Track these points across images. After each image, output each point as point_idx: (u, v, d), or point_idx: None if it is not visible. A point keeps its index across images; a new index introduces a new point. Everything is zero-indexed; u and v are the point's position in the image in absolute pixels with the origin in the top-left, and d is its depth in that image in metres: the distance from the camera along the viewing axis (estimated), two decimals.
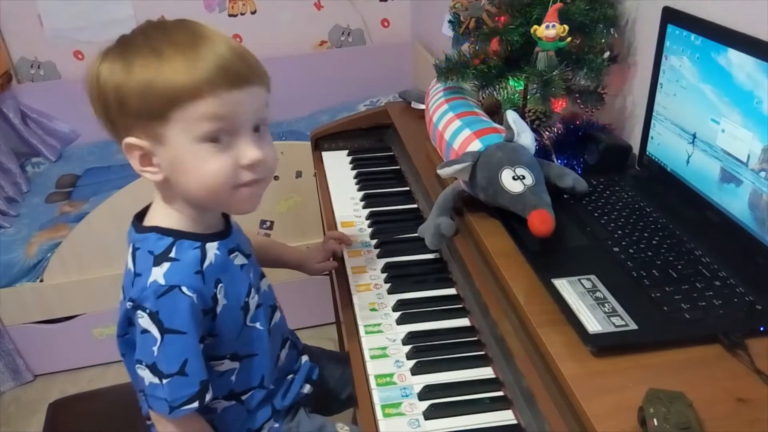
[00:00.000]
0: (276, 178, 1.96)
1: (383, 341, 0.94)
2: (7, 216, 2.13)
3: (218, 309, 0.82)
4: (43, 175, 2.45)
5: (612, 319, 0.76)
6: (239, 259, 0.87)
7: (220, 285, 0.82)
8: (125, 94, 0.72)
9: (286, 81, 2.62)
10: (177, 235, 0.80)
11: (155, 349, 0.76)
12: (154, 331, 0.76)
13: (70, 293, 1.99)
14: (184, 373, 0.77)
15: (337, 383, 1.10)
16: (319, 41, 2.77)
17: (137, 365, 0.79)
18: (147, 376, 0.78)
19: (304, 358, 1.04)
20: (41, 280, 1.97)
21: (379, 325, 0.98)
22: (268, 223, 2.03)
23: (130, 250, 0.81)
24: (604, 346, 0.73)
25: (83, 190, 2.32)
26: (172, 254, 0.79)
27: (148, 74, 0.71)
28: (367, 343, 0.94)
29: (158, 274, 0.77)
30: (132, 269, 0.80)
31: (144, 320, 0.76)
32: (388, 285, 1.06)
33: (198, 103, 0.71)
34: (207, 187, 0.76)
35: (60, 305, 2.01)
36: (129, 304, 0.78)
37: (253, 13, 2.64)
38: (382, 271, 1.10)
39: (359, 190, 1.38)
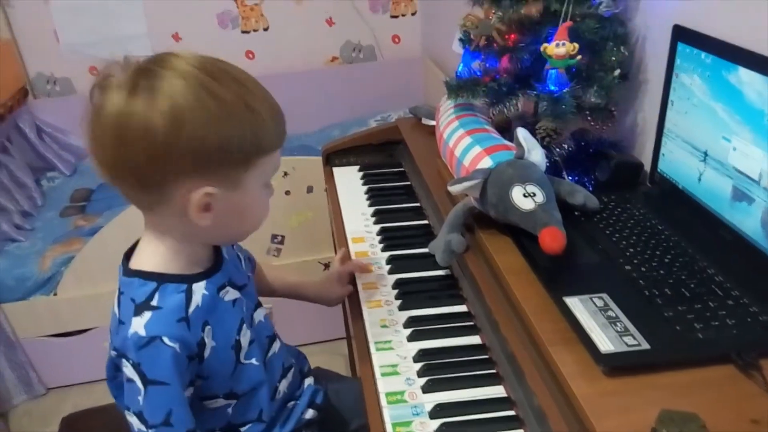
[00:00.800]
0: (287, 193, 1.97)
1: (394, 358, 0.94)
2: (21, 230, 2.15)
3: (206, 353, 0.80)
4: (58, 189, 2.47)
5: (624, 338, 0.75)
6: (230, 294, 0.85)
7: (207, 327, 0.80)
8: (210, 145, 0.71)
9: (297, 96, 2.63)
10: (161, 278, 0.78)
11: (140, 398, 0.75)
12: (138, 382, 0.75)
13: (84, 307, 2.00)
14: (169, 424, 0.76)
15: (348, 411, 1.07)
16: (330, 57, 2.79)
17: (126, 411, 0.78)
18: (135, 422, 0.77)
19: (308, 381, 1.02)
20: (55, 294, 1.98)
21: (389, 342, 0.98)
22: (279, 238, 2.04)
23: (117, 293, 0.81)
24: (617, 365, 0.73)
25: (97, 204, 2.34)
26: (154, 302, 0.77)
27: (244, 128, 0.72)
28: (378, 360, 0.94)
29: (138, 325, 0.75)
30: (117, 314, 0.79)
31: (128, 370, 0.76)
32: (399, 301, 1.06)
33: (275, 153, 0.78)
34: (257, 225, 0.83)
35: (73, 319, 2.02)
36: (113, 353, 0.78)
37: (266, 29, 2.67)
38: (393, 288, 1.10)
39: (370, 205, 1.38)
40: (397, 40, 2.80)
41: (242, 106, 0.72)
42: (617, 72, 1.08)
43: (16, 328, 1.98)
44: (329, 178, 1.54)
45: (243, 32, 2.66)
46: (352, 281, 1.14)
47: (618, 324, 0.78)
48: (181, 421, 0.77)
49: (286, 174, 1.94)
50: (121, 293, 0.79)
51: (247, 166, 0.75)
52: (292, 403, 0.98)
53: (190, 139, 0.70)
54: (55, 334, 2.03)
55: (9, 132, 2.38)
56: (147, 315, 0.76)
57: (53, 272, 1.97)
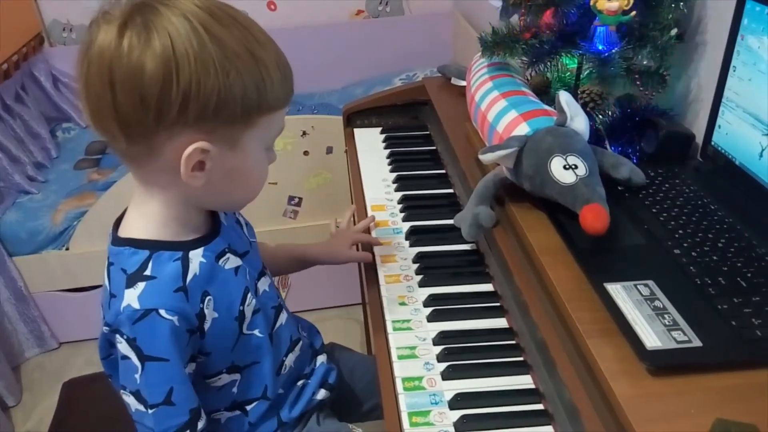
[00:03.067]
0: (306, 153, 1.89)
1: (412, 340, 0.87)
2: (35, 182, 2.11)
3: (206, 326, 0.74)
4: (73, 140, 2.41)
5: (673, 333, 0.67)
6: (231, 262, 0.78)
7: (207, 298, 0.73)
8: (208, 95, 0.63)
9: (320, 51, 2.54)
10: (154, 246, 0.71)
11: (137, 377, 0.70)
12: (134, 359, 0.69)
13: (96, 262, 1.95)
14: (171, 403, 0.70)
15: (363, 390, 1.02)
16: (355, 10, 2.66)
17: (121, 391, 0.72)
18: (132, 402, 0.72)
19: (320, 359, 0.96)
20: (67, 248, 1.95)
21: (408, 321, 0.90)
22: (297, 200, 1.97)
23: (106, 263, 0.74)
24: (664, 364, 0.65)
25: (112, 157, 2.27)
26: (148, 271, 0.70)
27: (247, 80, 0.64)
28: (395, 341, 0.87)
29: (132, 297, 0.69)
30: (108, 287, 0.73)
31: (122, 346, 0.70)
32: (420, 277, 0.99)
33: (280, 112, 0.71)
34: (254, 193, 0.75)
35: (85, 274, 1.98)
36: (105, 329, 0.71)
37: None
38: (414, 262, 1.02)
39: (392, 171, 1.30)
40: None
41: (247, 55, 0.64)
42: (674, 31, 0.97)
43: (28, 282, 1.96)
44: (350, 139, 1.45)
45: None
46: (369, 249, 1.07)
47: (666, 316, 0.69)
48: (183, 400, 0.72)
49: (304, 133, 1.86)
50: (110, 264, 0.73)
51: (248, 124, 0.68)
52: (302, 382, 0.92)
53: (186, 86, 0.62)
54: (67, 289, 2.00)
55: (24, 80, 2.32)
56: (141, 286, 0.69)
57: (65, 226, 1.94)
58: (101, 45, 0.62)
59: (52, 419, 1.08)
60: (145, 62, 0.61)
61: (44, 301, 2.00)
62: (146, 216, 0.73)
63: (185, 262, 0.72)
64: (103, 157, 2.30)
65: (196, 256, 0.73)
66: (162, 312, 0.69)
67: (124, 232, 0.73)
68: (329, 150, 1.91)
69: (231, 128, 0.67)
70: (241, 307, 0.78)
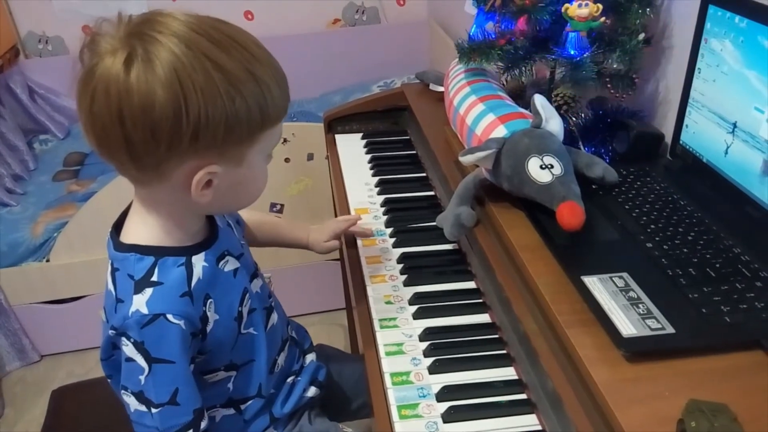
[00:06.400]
0: (287, 160, 1.91)
1: (399, 337, 0.90)
2: (13, 194, 2.10)
3: (209, 327, 0.76)
4: (51, 152, 2.40)
5: (647, 321, 0.71)
6: (230, 264, 0.80)
7: (209, 301, 0.76)
8: (216, 122, 0.64)
9: (297, 60, 2.56)
10: (159, 252, 0.73)
11: (142, 378, 0.71)
12: (140, 361, 0.71)
13: (77, 274, 1.96)
14: (176, 403, 0.73)
15: (351, 390, 1.05)
16: (332, 19, 2.70)
17: (122, 391, 0.74)
18: (132, 403, 0.73)
19: (309, 358, 0.98)
20: (47, 260, 1.94)
21: (394, 319, 0.93)
22: (278, 206, 1.99)
23: (110, 269, 0.75)
24: (639, 350, 0.68)
25: (91, 168, 2.28)
26: (155, 277, 0.72)
27: (251, 102, 0.66)
28: (382, 338, 0.90)
29: (140, 303, 0.70)
30: (113, 292, 0.74)
31: (128, 348, 0.71)
32: (405, 276, 1.01)
33: (280, 124, 0.73)
34: (257, 197, 0.77)
35: (66, 286, 1.98)
36: (111, 332, 0.73)
37: None
38: (398, 262, 1.05)
39: (374, 175, 1.32)
40: (401, 2, 2.70)
41: (249, 77, 0.65)
42: (641, 36, 1.01)
43: (9, 295, 1.94)
44: (331, 145, 1.48)
45: None
46: (355, 250, 1.09)
47: (640, 306, 0.73)
48: (188, 400, 0.74)
49: (285, 141, 1.88)
50: (116, 269, 0.74)
51: (252, 141, 0.70)
52: (291, 379, 0.94)
53: (195, 118, 0.63)
54: (48, 301, 1.99)
55: (0, 93, 2.31)
56: (148, 292, 0.71)
57: (45, 238, 1.93)
58: (107, 78, 0.62)
59: (42, 429, 1.08)
60: (154, 98, 0.61)
61: (25, 314, 1.98)
62: (149, 225, 0.74)
63: (189, 267, 0.74)
64: (82, 168, 2.29)
65: (199, 261, 0.75)
66: (170, 317, 0.71)
67: (128, 238, 0.74)
68: (310, 157, 1.93)
69: (237, 148, 0.69)
70: (240, 308, 0.80)
